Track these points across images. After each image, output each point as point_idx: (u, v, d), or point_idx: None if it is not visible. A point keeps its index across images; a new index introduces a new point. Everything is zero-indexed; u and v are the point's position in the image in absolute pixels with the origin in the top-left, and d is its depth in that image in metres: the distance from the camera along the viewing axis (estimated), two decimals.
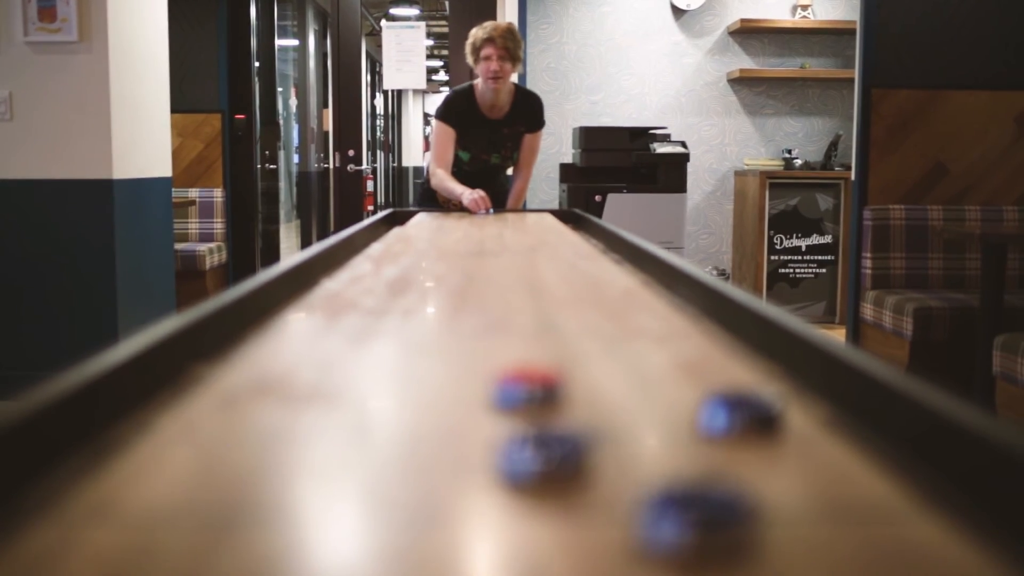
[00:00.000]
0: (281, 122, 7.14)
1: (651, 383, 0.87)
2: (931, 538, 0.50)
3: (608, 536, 0.49)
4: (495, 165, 3.89)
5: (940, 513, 0.54)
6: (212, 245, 5.80)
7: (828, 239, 6.24)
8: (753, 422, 0.67)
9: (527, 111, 3.87)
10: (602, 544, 0.48)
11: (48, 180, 3.10)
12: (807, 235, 6.25)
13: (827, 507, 0.54)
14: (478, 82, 3.77)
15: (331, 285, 1.54)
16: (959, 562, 0.47)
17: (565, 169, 6.15)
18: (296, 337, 1.10)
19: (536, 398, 0.71)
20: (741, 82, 6.63)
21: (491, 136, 3.82)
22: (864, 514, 0.53)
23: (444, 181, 3.68)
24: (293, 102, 7.28)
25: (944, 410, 0.67)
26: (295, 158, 7.47)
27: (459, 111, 3.78)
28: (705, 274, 1.37)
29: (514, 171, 3.98)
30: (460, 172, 3.77)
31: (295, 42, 8.88)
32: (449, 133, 3.75)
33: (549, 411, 0.72)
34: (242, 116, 6.05)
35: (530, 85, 6.68)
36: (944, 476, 0.66)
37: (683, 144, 5.91)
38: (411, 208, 3.82)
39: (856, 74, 4.44)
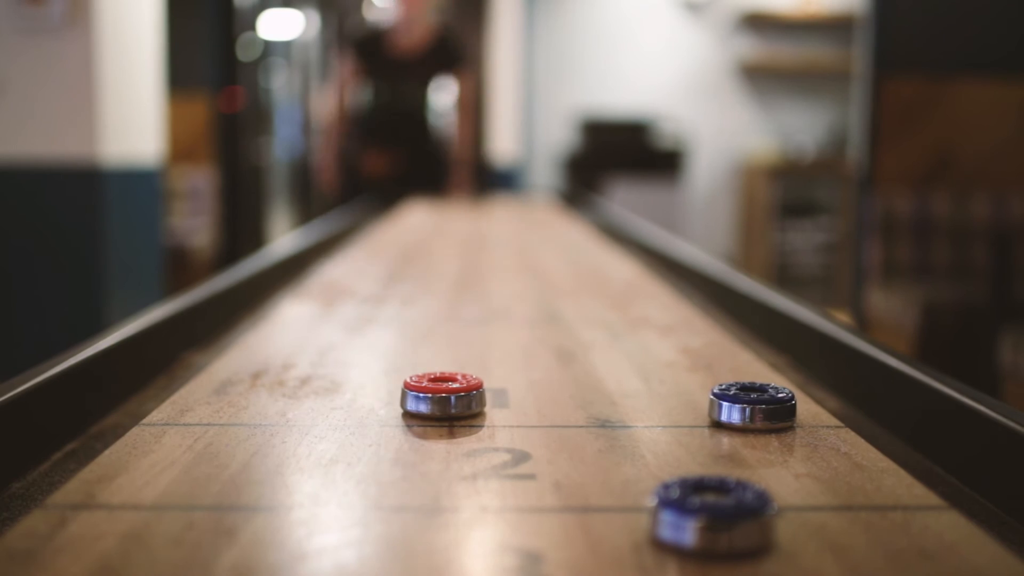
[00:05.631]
0: (274, 104, 7.10)
1: (659, 369, 0.85)
2: (946, 528, 0.48)
3: (619, 527, 0.48)
4: (411, 111, 3.56)
5: (955, 503, 0.52)
6: (202, 229, 5.77)
7: (833, 229, 6.22)
8: (764, 412, 0.65)
9: (445, 45, 3.58)
10: (612, 535, 0.47)
11: (34, 161, 3.08)
12: (812, 224, 6.23)
13: (840, 498, 0.52)
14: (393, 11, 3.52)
15: (327, 271, 1.53)
16: (975, 552, 0.46)
17: (567, 157, 6.13)
18: (291, 324, 1.09)
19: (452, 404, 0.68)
20: (749, 70, 6.60)
21: (403, 72, 3.51)
22: (878, 505, 0.51)
23: (323, 149, 3.39)
24: (287, 84, 7.25)
25: (957, 398, 0.65)
26: (288, 142, 7.43)
27: (366, 41, 3.50)
28: (713, 261, 1.35)
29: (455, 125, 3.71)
30: (373, 125, 3.47)
31: (290, 22, 8.82)
32: (351, 72, 3.44)
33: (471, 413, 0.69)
34: (234, 98, 6.00)
35: (535, 71, 6.66)
36: (956, 465, 0.64)
37: (688, 132, 5.89)
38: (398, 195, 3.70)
39: (863, 62, 4.41)
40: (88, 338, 0.78)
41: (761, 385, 0.69)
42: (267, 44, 6.61)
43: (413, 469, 0.57)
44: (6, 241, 3.08)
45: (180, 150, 5.89)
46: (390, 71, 3.53)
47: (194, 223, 5.92)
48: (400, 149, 3.56)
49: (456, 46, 3.64)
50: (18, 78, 3.00)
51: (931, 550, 0.46)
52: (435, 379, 0.70)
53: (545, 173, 6.67)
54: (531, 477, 0.56)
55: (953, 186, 4.34)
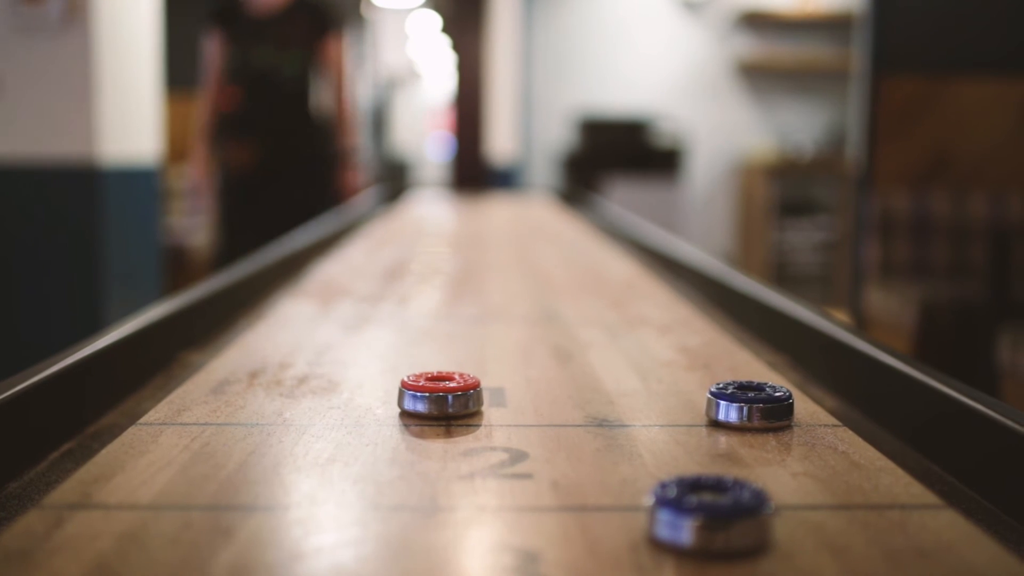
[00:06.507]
0: None
1: (656, 368, 0.85)
2: (944, 527, 0.48)
3: (616, 526, 0.48)
4: (268, 78, 3.28)
5: (952, 501, 0.52)
6: (200, 228, 5.75)
7: (831, 228, 6.22)
8: (762, 411, 0.65)
9: (308, 4, 3.32)
10: (610, 534, 0.47)
11: (32, 160, 3.08)
12: (810, 223, 6.23)
13: (838, 497, 0.52)
14: None
15: (325, 269, 1.52)
16: (972, 551, 0.46)
17: (566, 156, 6.13)
18: (289, 323, 1.08)
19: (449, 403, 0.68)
20: (747, 69, 6.60)
21: (261, 32, 3.25)
22: (876, 503, 0.51)
23: (197, 144, 3.21)
24: None
25: (956, 397, 0.65)
26: None
27: (225, 9, 3.30)
28: (711, 260, 1.35)
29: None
30: (242, 109, 3.26)
31: None
32: (217, 50, 3.24)
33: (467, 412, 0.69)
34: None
35: (532, 68, 6.65)
36: (954, 464, 0.64)
37: (687, 131, 5.89)
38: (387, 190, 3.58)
39: (861, 61, 4.41)
40: (86, 337, 0.78)
41: (759, 384, 0.69)
42: None
43: (410, 468, 0.57)
44: (4, 240, 3.08)
45: (178, 149, 5.86)
46: (249, 34, 3.27)
47: (192, 222, 5.89)
48: (261, 133, 3.29)
49: (322, 7, 3.34)
50: (16, 77, 3.00)
51: (928, 549, 0.46)
52: (432, 378, 0.70)
53: (544, 172, 6.67)
54: (528, 476, 0.56)
55: (951, 185, 4.35)
